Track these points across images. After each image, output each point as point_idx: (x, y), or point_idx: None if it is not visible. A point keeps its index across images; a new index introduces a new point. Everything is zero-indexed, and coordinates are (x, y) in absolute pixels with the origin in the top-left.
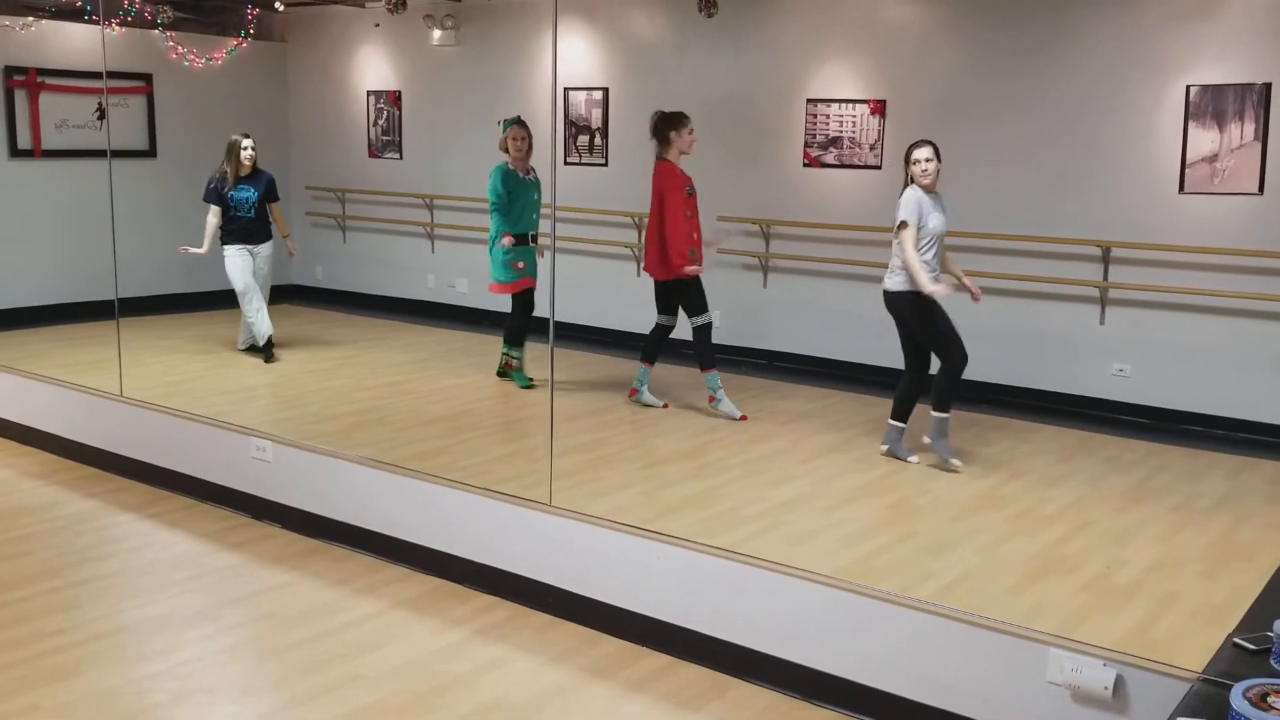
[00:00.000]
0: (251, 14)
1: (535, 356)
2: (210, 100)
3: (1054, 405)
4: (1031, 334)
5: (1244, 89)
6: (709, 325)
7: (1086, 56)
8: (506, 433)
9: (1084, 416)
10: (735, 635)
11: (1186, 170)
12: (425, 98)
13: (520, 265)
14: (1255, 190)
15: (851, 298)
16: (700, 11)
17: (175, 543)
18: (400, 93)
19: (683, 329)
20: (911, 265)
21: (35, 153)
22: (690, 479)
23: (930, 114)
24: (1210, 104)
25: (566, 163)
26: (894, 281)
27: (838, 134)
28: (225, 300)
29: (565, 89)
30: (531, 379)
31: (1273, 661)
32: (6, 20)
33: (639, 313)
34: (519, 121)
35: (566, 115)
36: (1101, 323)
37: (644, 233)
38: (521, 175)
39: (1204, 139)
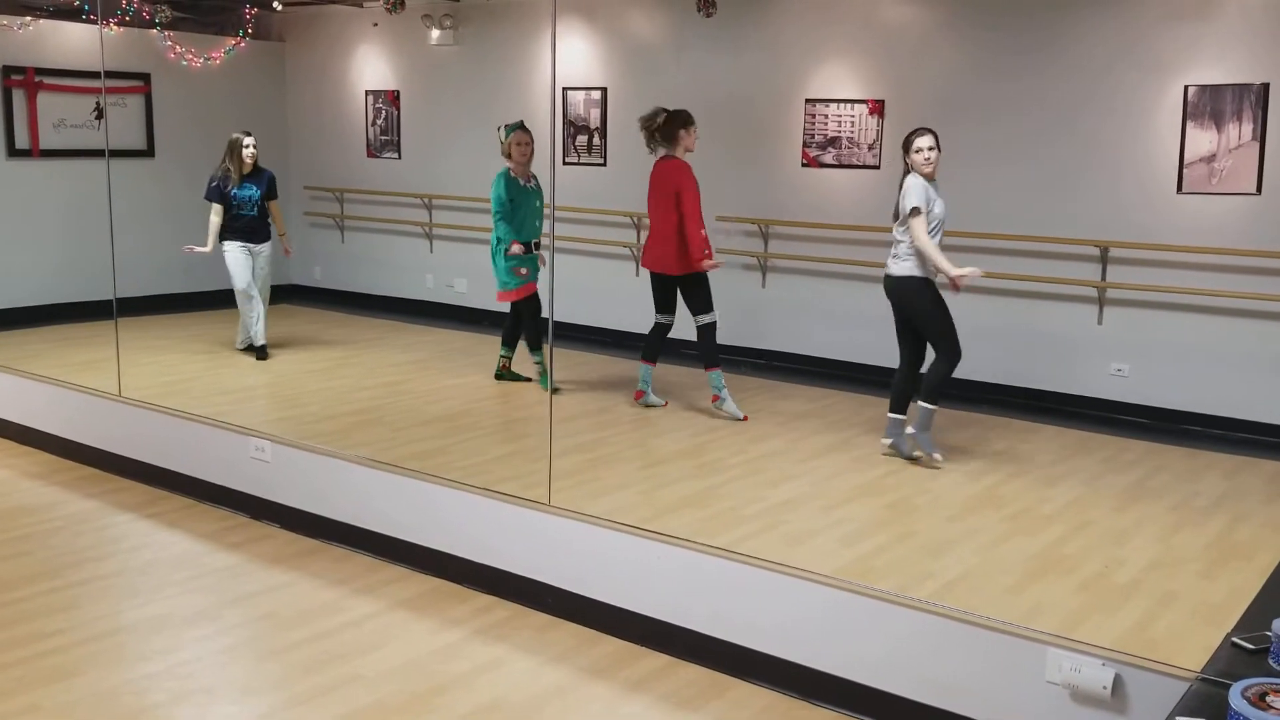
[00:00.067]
0: (250, 13)
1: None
2: (208, 100)
3: (1052, 405)
4: (1030, 334)
5: (1242, 89)
6: (714, 324)
7: (1085, 57)
8: (505, 433)
9: (1082, 416)
10: (734, 635)
11: (1184, 170)
12: (423, 97)
13: (524, 271)
14: (1253, 190)
15: (850, 297)
16: (699, 11)
17: (174, 543)
18: (399, 92)
19: (680, 328)
20: (930, 251)
21: (33, 152)
22: (689, 479)
23: (929, 114)
24: (1208, 104)
25: (565, 163)
26: (901, 267)
27: (836, 134)
28: (224, 300)
29: (564, 89)
30: (558, 386)
31: (1271, 661)
32: (4, 19)
33: (638, 312)
34: (522, 127)
35: (565, 115)
36: (1100, 322)
37: (644, 232)
38: (523, 183)
39: (1202, 139)
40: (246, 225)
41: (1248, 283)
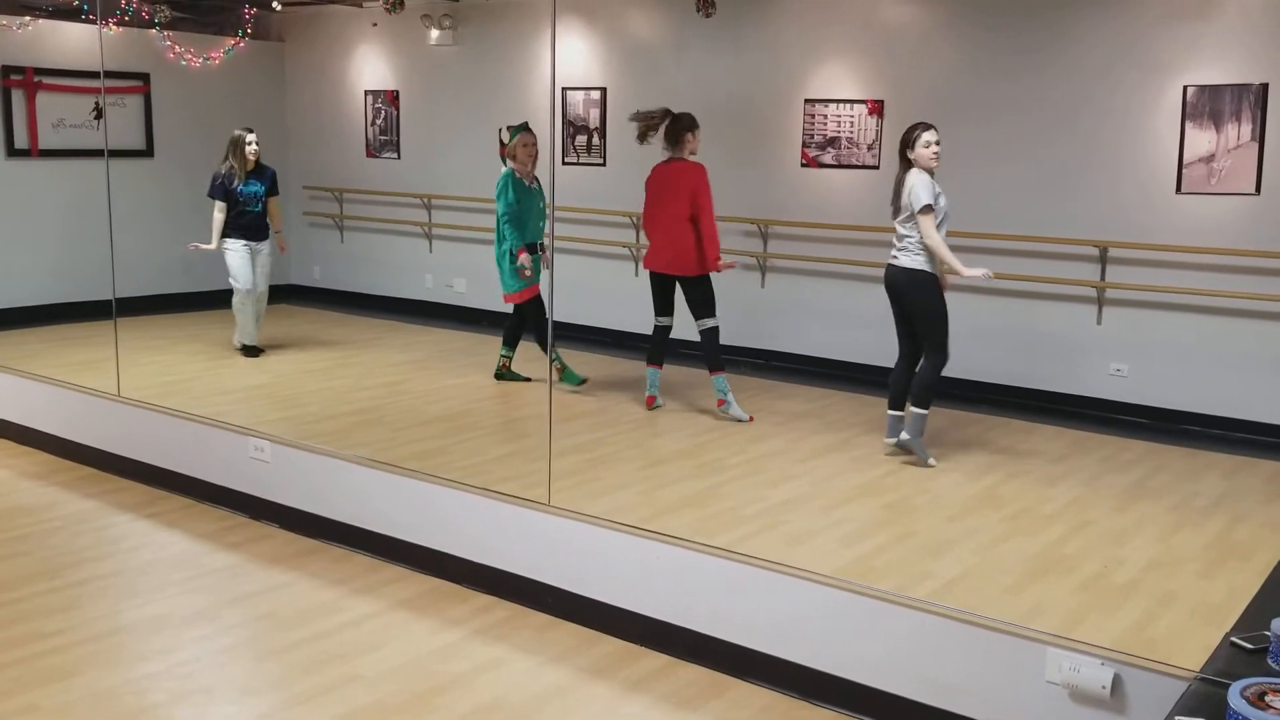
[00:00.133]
0: (249, 13)
1: (536, 356)
2: (208, 100)
3: (1052, 405)
4: (1029, 334)
5: (1241, 89)
6: (717, 328)
7: (1084, 57)
8: (505, 433)
9: (1082, 416)
10: (734, 635)
11: (1184, 170)
12: (423, 97)
13: (529, 273)
14: (1252, 190)
15: (850, 297)
16: (698, 11)
17: (173, 543)
18: (398, 92)
19: (680, 328)
20: (941, 250)
21: (32, 152)
22: (689, 479)
23: (928, 114)
24: (1207, 104)
25: (564, 163)
26: (912, 260)
27: (835, 134)
28: (223, 300)
29: (563, 89)
30: (584, 378)
31: (1270, 660)
32: (3, 19)
33: (637, 312)
34: (527, 128)
35: (564, 115)
36: (1099, 322)
37: (644, 232)
38: (527, 184)
39: (1201, 139)
40: (251, 222)
41: (1247, 283)
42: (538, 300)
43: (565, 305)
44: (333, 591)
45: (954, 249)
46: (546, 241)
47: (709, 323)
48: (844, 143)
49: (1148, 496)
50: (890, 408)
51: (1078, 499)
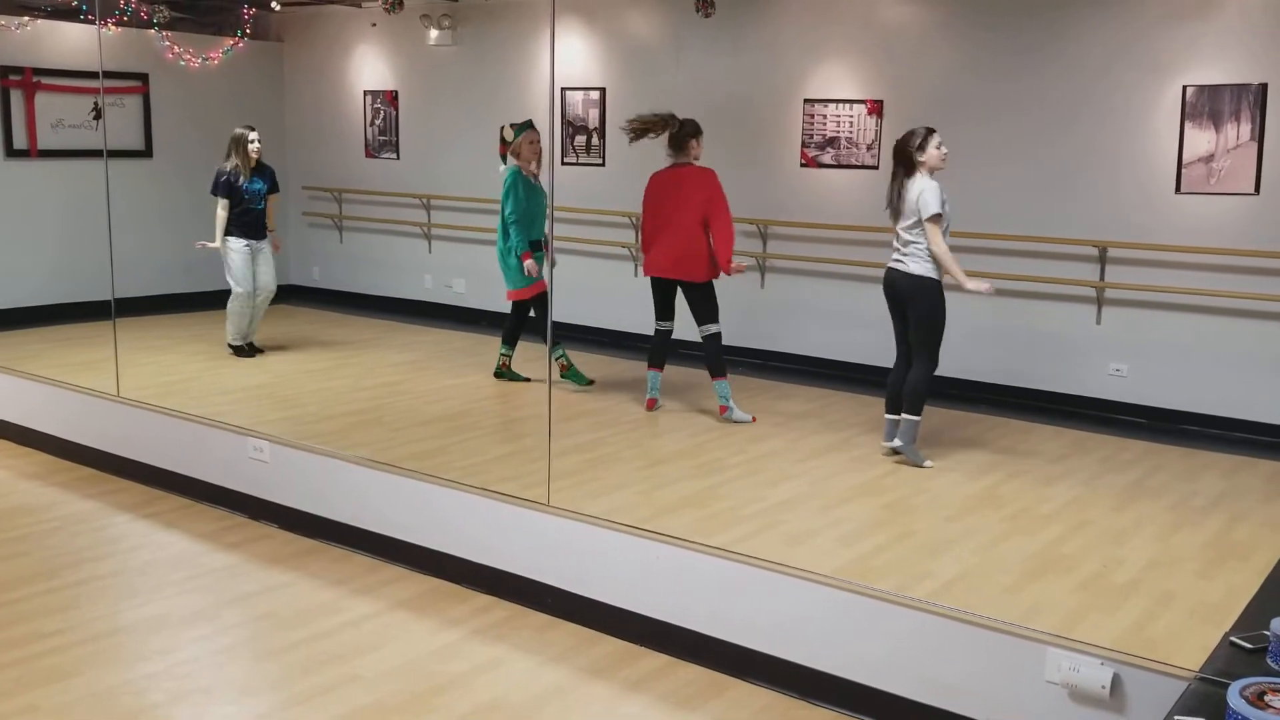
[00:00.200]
0: (248, 14)
1: (536, 356)
2: (207, 100)
3: (1051, 405)
4: (1028, 334)
5: (1240, 89)
6: (719, 334)
7: (1083, 57)
8: (504, 433)
9: (1081, 416)
10: (733, 635)
11: (1183, 170)
12: (422, 98)
13: (536, 270)
14: (1251, 190)
15: (849, 298)
16: (697, 11)
17: (172, 543)
18: (397, 93)
19: (679, 329)
20: (947, 258)
21: (31, 153)
22: (688, 479)
23: (927, 114)
24: (1206, 104)
25: (564, 163)
26: (920, 266)
27: (835, 134)
28: (223, 300)
29: (562, 89)
30: (592, 379)
31: (1269, 660)
32: (2, 19)
33: (636, 313)
34: (531, 126)
35: (563, 115)
36: (1098, 322)
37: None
38: (532, 182)
39: (1200, 139)
40: (254, 220)
41: (1246, 283)
42: (544, 297)
43: (564, 305)
44: (332, 592)
45: (953, 248)
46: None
47: (712, 328)
48: (843, 143)
49: (1147, 496)
50: (888, 411)
51: (1077, 499)
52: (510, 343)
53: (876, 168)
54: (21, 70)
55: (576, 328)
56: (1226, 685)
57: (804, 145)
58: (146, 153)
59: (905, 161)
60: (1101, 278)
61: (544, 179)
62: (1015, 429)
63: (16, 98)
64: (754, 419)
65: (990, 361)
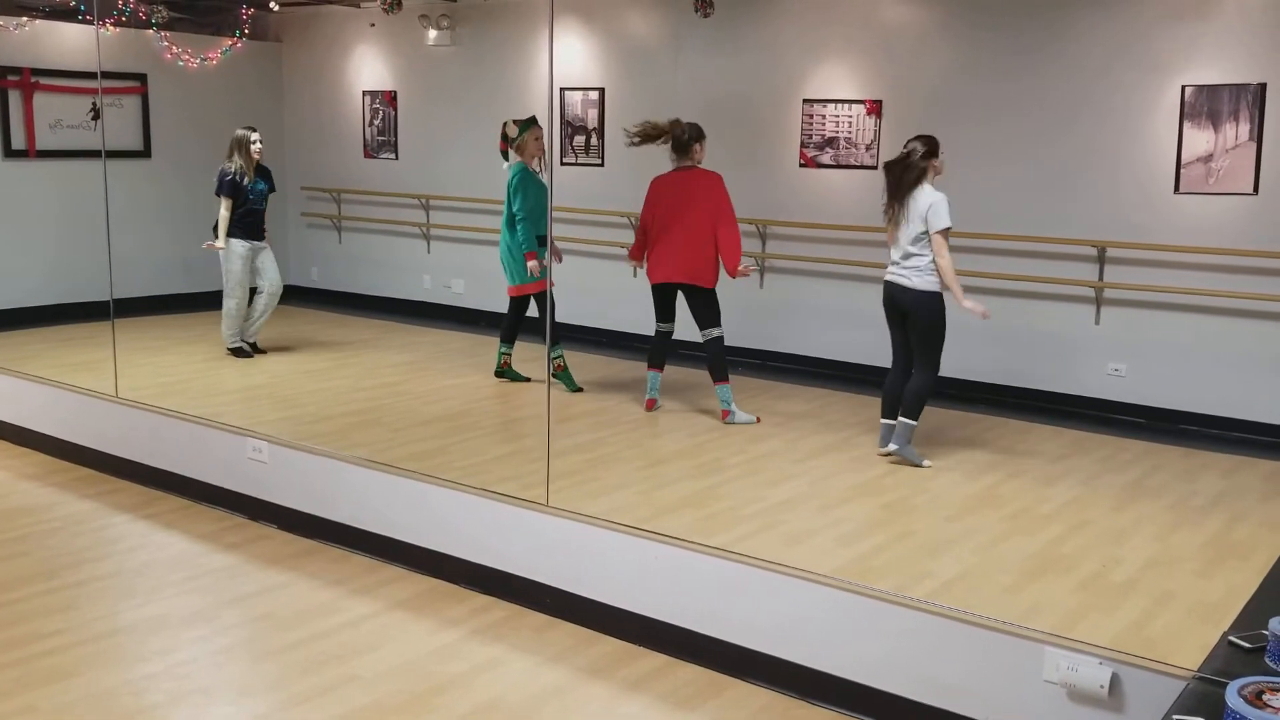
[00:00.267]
0: (246, 14)
1: (534, 356)
2: (205, 100)
3: (1050, 405)
4: (1027, 334)
5: (1239, 89)
6: (721, 338)
7: (1082, 57)
8: (503, 433)
9: (1080, 416)
10: (732, 635)
11: (1182, 170)
12: (421, 98)
13: (538, 270)
14: (1250, 190)
15: (848, 298)
16: (696, 11)
17: (171, 544)
18: (395, 93)
19: (679, 330)
20: (950, 274)
21: (30, 153)
22: (687, 479)
23: (926, 114)
24: (1205, 104)
25: (562, 163)
26: (925, 281)
27: (834, 134)
28: (220, 301)
29: (561, 89)
30: (581, 387)
31: (1268, 659)
32: (0, 20)
33: (635, 313)
34: (536, 122)
35: (562, 115)
36: (1097, 322)
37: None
38: (536, 177)
39: (1199, 139)
40: (256, 221)
41: (1245, 282)
42: (544, 294)
43: (564, 305)
44: (331, 592)
45: (952, 249)
46: (559, 245)
47: (714, 332)
48: (842, 143)
49: (1146, 496)
50: (884, 416)
51: (1076, 498)
52: (509, 341)
53: (876, 168)
54: (20, 71)
55: (576, 328)
56: (1225, 685)
57: (803, 145)
58: (145, 153)
59: (913, 172)
60: (1100, 278)
61: (544, 179)
62: (1014, 429)
63: (15, 98)
64: (758, 419)
65: (989, 361)
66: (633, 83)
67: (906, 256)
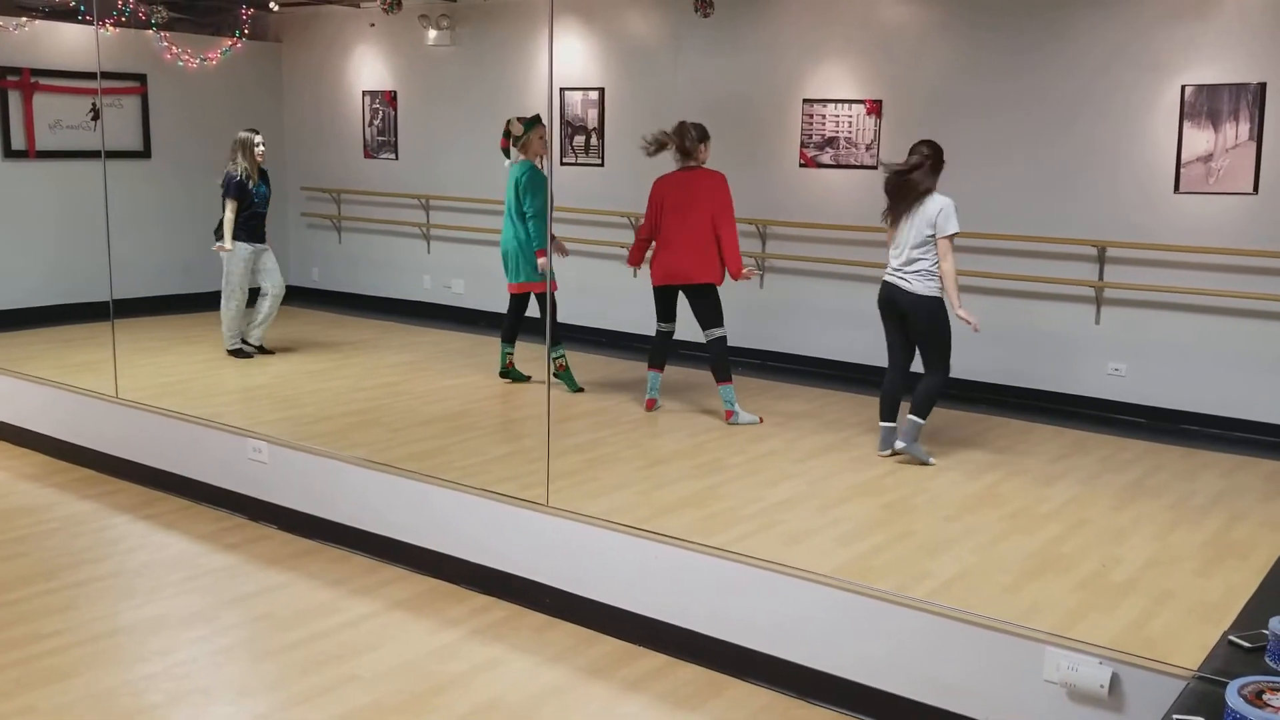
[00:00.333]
0: (246, 14)
1: (535, 356)
2: (205, 101)
3: (1050, 405)
4: (1027, 334)
5: (1239, 89)
6: (724, 338)
7: (1082, 56)
8: (503, 433)
9: (1080, 416)
10: (732, 634)
11: (1181, 170)
12: (421, 98)
13: (545, 268)
14: (1250, 190)
15: (848, 298)
16: (696, 11)
17: (171, 544)
18: (395, 93)
19: (679, 330)
20: (954, 282)
21: (29, 153)
22: (687, 479)
23: (926, 114)
24: (1205, 104)
25: (562, 163)
26: (927, 286)
27: (834, 134)
28: (220, 301)
29: (561, 89)
30: (581, 388)
31: (1268, 659)
32: (0, 20)
33: (635, 313)
34: (540, 120)
35: (562, 115)
36: (1097, 322)
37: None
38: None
39: (1199, 139)
40: (259, 223)
41: (1244, 282)
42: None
43: (564, 305)
44: (330, 592)
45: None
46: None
47: (717, 332)
48: (842, 143)
49: (1146, 495)
50: (883, 419)
51: (1076, 498)
52: (511, 340)
53: (875, 168)
54: (19, 71)
55: (576, 328)
56: (1225, 684)
57: (803, 145)
58: (145, 154)
59: (923, 178)
60: (1100, 277)
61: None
62: (1014, 428)
63: (15, 99)
64: (761, 419)
65: (989, 361)
66: (633, 83)
67: (910, 261)
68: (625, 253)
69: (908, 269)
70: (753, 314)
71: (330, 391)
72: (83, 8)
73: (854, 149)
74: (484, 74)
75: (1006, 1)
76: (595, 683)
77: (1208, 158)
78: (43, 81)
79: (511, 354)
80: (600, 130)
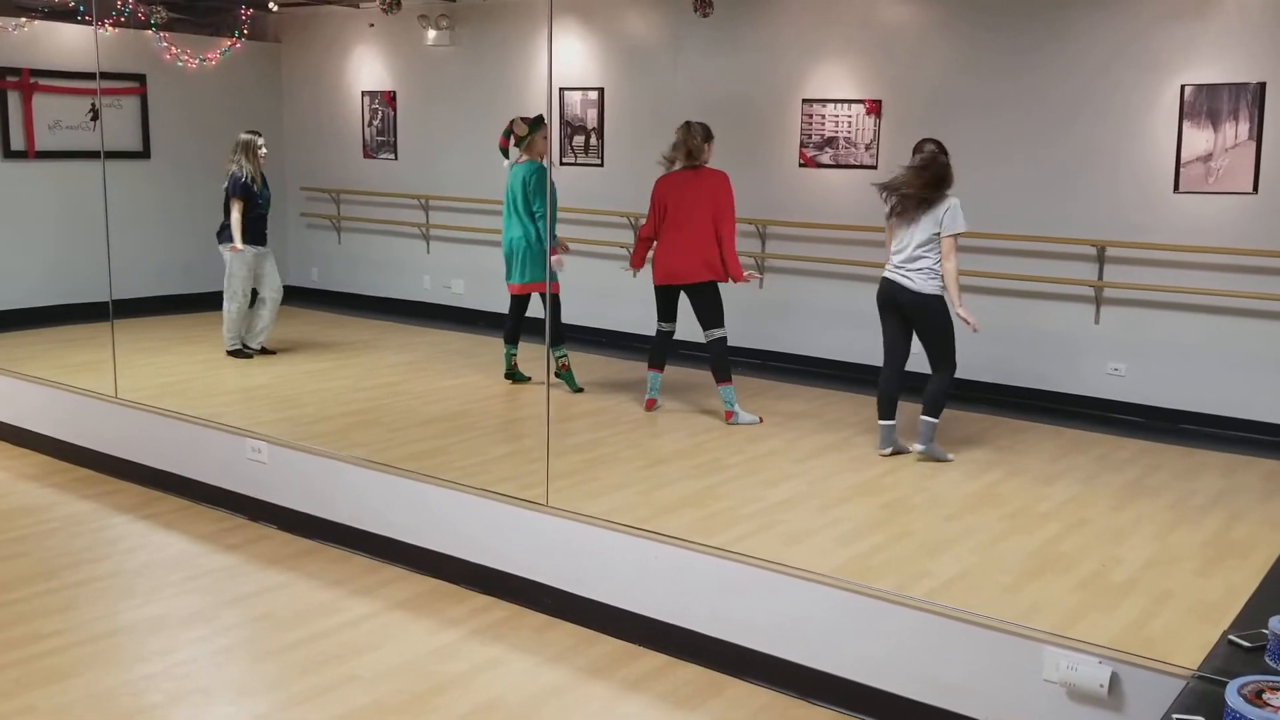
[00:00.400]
0: (245, 14)
1: (535, 356)
2: (204, 101)
3: (1049, 404)
4: (1027, 333)
5: (1238, 88)
6: (724, 339)
7: (1082, 56)
8: (503, 433)
9: (1079, 415)
10: (732, 634)
11: (1181, 170)
12: (420, 98)
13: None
14: (1249, 189)
15: (847, 297)
16: (695, 11)
17: (171, 544)
18: (395, 93)
19: (679, 330)
20: (955, 281)
21: (29, 154)
22: (687, 478)
23: (926, 114)
24: (1205, 103)
25: (562, 163)
26: (930, 285)
27: (833, 134)
28: (220, 301)
29: (560, 89)
30: (581, 388)
31: (1268, 658)
32: (0, 20)
33: (634, 313)
34: (544, 121)
35: (562, 115)
36: (1096, 322)
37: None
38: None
39: (1199, 138)
40: (261, 226)
41: (1244, 282)
42: (556, 293)
43: (564, 305)
44: (330, 592)
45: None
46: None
47: (717, 333)
48: (842, 143)
49: (1145, 495)
50: (882, 418)
51: (1075, 498)
52: (513, 341)
53: (875, 168)
54: (19, 71)
55: (576, 328)
56: (1225, 684)
57: (803, 145)
58: (144, 154)
59: (936, 181)
60: (1100, 277)
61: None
62: (1014, 428)
63: (14, 99)
64: (761, 419)
65: (989, 361)
66: (632, 83)
67: (914, 258)
68: (625, 253)
69: (911, 266)
70: (752, 314)
71: (330, 391)
72: (82, 8)
73: (853, 149)
74: (483, 74)
75: (1006, 1)
76: (595, 683)
77: (1207, 157)
78: (42, 82)
79: (515, 355)
80: (600, 130)
